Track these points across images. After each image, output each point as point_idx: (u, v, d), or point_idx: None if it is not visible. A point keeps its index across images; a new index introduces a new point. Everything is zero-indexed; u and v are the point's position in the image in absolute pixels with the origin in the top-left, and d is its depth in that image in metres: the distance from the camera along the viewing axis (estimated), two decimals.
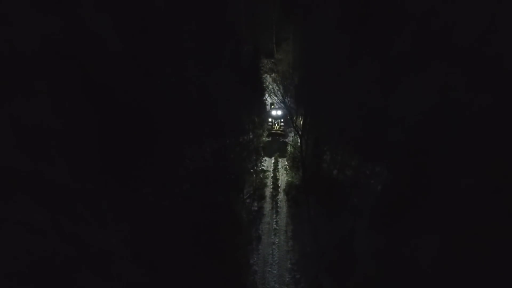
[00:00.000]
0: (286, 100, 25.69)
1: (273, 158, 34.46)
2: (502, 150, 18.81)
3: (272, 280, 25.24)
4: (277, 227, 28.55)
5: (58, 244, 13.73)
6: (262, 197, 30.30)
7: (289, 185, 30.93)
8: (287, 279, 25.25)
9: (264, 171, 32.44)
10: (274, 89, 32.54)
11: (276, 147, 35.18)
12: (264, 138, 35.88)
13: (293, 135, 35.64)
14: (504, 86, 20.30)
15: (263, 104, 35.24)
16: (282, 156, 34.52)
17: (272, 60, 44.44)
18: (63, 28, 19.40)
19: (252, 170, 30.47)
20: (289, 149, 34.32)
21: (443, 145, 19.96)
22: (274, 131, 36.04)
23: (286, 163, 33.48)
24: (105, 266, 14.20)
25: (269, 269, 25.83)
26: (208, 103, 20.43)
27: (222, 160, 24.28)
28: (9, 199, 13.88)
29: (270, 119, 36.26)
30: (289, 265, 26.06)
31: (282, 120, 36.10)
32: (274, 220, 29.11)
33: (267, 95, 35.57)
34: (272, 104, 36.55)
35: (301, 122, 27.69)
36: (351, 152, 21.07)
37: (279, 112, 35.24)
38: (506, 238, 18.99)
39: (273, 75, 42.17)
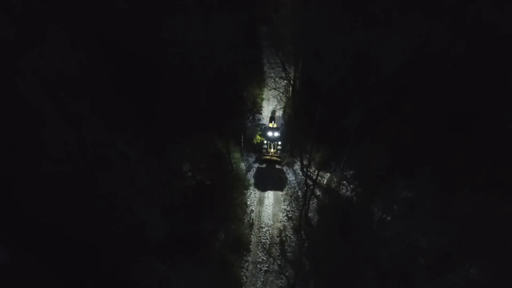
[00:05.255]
0: (280, 55, 27.91)
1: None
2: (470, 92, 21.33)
3: (267, 218, 28.49)
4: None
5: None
6: (259, 150, 32.88)
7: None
8: (280, 217, 28.47)
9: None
10: (271, 51, 34.68)
11: (271, 179, 29.86)
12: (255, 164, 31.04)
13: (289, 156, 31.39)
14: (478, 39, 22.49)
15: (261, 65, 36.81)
16: (278, 190, 29.70)
17: (271, 27, 45.62)
18: None
19: (250, 124, 32.92)
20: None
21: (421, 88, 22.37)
22: (269, 157, 30.48)
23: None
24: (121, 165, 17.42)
25: (265, 209, 29.00)
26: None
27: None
28: (44, 127, 16.70)
29: (265, 141, 30.87)
30: (283, 206, 29.19)
31: (279, 143, 30.88)
32: None
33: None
34: (271, 118, 32.93)
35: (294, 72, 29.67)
36: (340, 99, 23.42)
37: (276, 134, 30.33)
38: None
39: (271, 40, 43.60)
